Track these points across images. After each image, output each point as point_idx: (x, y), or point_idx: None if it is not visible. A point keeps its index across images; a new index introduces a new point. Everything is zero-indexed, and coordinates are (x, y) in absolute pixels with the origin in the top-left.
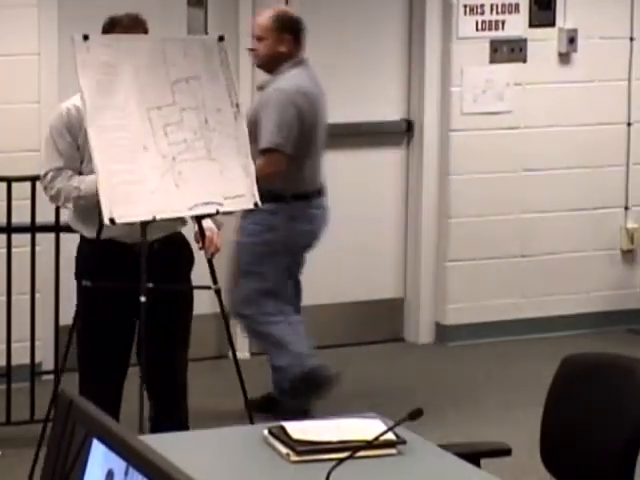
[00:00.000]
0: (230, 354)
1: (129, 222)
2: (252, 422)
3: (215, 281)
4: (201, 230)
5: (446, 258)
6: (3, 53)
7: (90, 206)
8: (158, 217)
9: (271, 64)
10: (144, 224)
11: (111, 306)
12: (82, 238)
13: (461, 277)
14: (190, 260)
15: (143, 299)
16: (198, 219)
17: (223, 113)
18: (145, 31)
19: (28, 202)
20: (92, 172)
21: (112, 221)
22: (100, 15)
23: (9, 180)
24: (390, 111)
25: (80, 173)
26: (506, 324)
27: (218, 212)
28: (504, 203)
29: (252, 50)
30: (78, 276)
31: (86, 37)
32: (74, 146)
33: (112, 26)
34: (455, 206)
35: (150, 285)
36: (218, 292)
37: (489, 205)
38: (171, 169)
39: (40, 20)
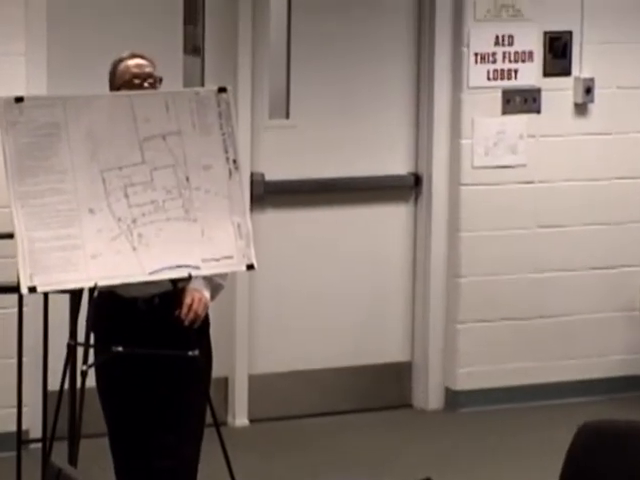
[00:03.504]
0: (229, 420)
1: (57, 290)
2: None
3: (194, 347)
4: (176, 295)
5: (456, 319)
6: None
7: None
8: (102, 283)
9: None
10: None
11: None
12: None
13: (472, 340)
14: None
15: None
16: (173, 282)
17: (213, 170)
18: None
19: (14, 260)
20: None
21: (32, 289)
22: (90, 63)
23: None
24: (397, 164)
25: None
26: (520, 389)
27: (190, 276)
28: (517, 261)
29: None
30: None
31: (19, 99)
32: None
33: (115, 67)
34: (466, 265)
35: (119, 349)
36: (195, 359)
37: (501, 264)
38: (127, 232)
39: (28, 68)
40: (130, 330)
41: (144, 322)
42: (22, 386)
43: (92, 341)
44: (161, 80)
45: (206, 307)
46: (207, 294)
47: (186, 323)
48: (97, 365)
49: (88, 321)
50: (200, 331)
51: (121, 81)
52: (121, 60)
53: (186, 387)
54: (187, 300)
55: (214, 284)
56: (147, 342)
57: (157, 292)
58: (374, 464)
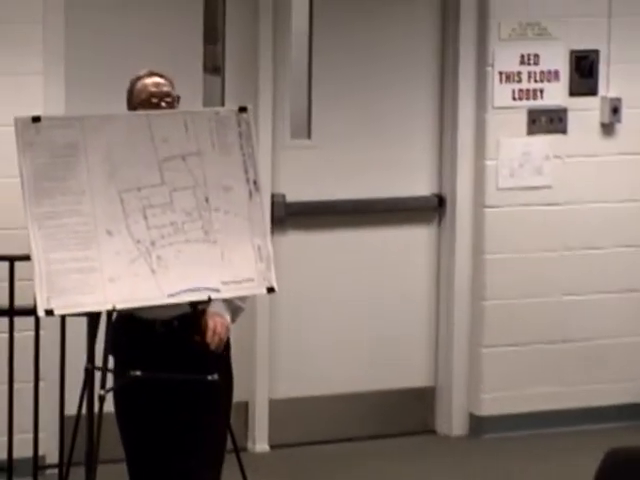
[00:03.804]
0: (249, 446)
1: (74, 313)
2: None
3: (214, 370)
4: (196, 318)
5: (481, 343)
6: (6, 123)
7: None
8: (121, 306)
9: None
10: None
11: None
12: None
13: (497, 364)
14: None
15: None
16: (193, 306)
17: (234, 191)
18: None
19: (31, 282)
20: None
21: (49, 312)
22: (108, 82)
23: (12, 259)
24: (420, 186)
25: None
26: (545, 415)
27: (210, 299)
28: (543, 284)
29: None
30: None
31: (36, 119)
32: None
33: (133, 85)
34: (490, 288)
35: (138, 373)
36: (214, 383)
37: (527, 286)
38: (146, 254)
39: (46, 88)
40: (149, 353)
41: (163, 345)
42: (39, 411)
43: (111, 364)
44: (179, 99)
45: (229, 331)
46: (228, 317)
47: (212, 347)
48: (116, 389)
49: (106, 344)
50: (220, 355)
51: (138, 100)
52: (139, 78)
53: (206, 411)
54: (211, 324)
55: (234, 307)
56: (166, 365)
57: (176, 314)
58: None
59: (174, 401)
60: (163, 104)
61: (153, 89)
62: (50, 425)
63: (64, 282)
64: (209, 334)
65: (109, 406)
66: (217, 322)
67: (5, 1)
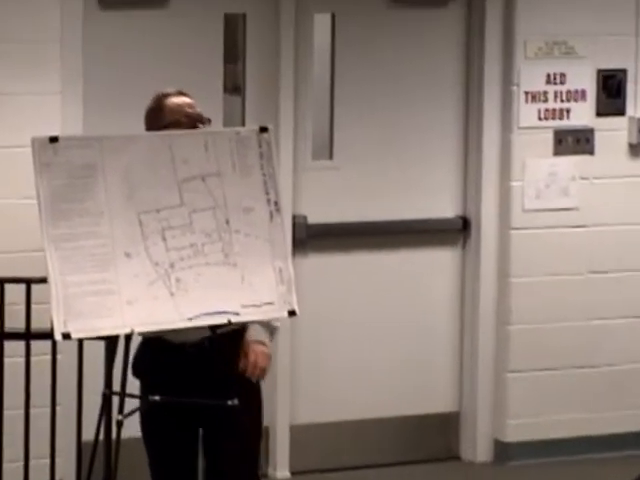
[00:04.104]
0: (270, 472)
1: (92, 337)
2: None
3: (233, 395)
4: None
5: (506, 368)
6: (24, 144)
7: None
8: (139, 329)
9: None
10: None
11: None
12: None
13: (523, 389)
14: None
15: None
16: (212, 328)
17: (254, 213)
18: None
19: (47, 306)
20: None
21: (66, 336)
22: (127, 101)
23: (28, 282)
24: (444, 207)
25: None
26: (572, 441)
27: (230, 322)
28: (569, 308)
29: None
30: (134, 374)
31: (54, 139)
32: None
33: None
34: (516, 311)
35: (156, 398)
36: (234, 408)
37: (553, 310)
38: (165, 277)
39: (64, 107)
40: (178, 375)
41: (193, 366)
42: (56, 436)
43: (135, 388)
44: (210, 122)
45: (270, 359)
46: (268, 341)
47: (254, 380)
48: (142, 413)
49: (124, 368)
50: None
51: (171, 119)
52: (167, 96)
53: (234, 434)
54: (252, 358)
55: (272, 328)
56: (195, 387)
57: (207, 335)
58: None
59: (200, 424)
60: (199, 126)
61: (188, 110)
62: (67, 451)
63: (81, 305)
64: (250, 369)
65: (127, 432)
66: (258, 354)
67: (22, 20)
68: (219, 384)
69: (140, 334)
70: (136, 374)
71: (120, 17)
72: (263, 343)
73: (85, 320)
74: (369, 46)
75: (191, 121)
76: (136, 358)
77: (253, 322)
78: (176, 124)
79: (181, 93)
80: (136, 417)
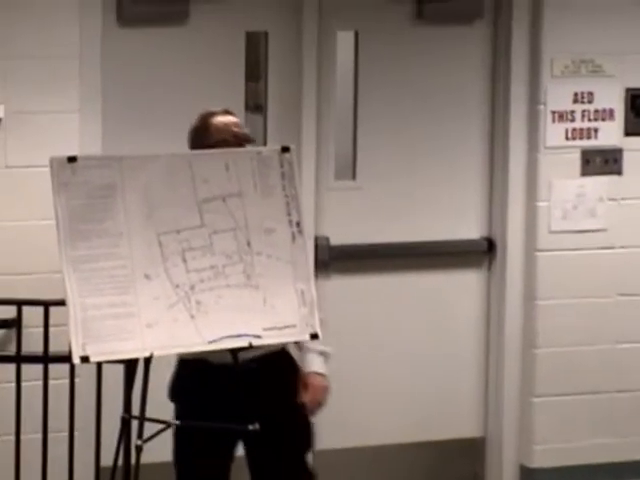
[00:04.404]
0: None
1: (111, 360)
2: None
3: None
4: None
5: (532, 393)
6: (42, 164)
7: None
8: (159, 353)
9: None
10: None
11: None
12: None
13: (549, 414)
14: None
15: None
16: (233, 353)
17: (276, 234)
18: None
19: (65, 328)
20: None
21: (85, 359)
22: (147, 120)
23: (46, 304)
24: (469, 229)
25: None
26: (600, 468)
27: (251, 345)
28: (597, 332)
29: None
30: (172, 398)
31: (72, 159)
32: None
33: (207, 121)
34: (542, 335)
35: (177, 422)
36: (255, 433)
37: (580, 334)
38: (185, 299)
39: (82, 126)
40: (224, 397)
41: (240, 388)
42: (74, 461)
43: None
44: (255, 141)
45: (328, 392)
46: (324, 372)
47: (312, 416)
48: (176, 438)
49: (171, 391)
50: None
51: (218, 138)
52: (213, 114)
53: (281, 455)
54: (312, 393)
55: (325, 354)
56: (240, 408)
57: (252, 356)
58: None
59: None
60: (245, 145)
61: (235, 129)
62: (85, 476)
63: (100, 328)
64: (310, 406)
65: (146, 457)
66: (318, 389)
67: (40, 37)
68: (267, 408)
69: (179, 355)
70: (174, 397)
71: (139, 34)
72: (322, 375)
73: (104, 343)
74: (392, 64)
75: (238, 140)
76: (175, 382)
77: (308, 348)
78: (223, 143)
79: (227, 112)
80: (156, 442)
